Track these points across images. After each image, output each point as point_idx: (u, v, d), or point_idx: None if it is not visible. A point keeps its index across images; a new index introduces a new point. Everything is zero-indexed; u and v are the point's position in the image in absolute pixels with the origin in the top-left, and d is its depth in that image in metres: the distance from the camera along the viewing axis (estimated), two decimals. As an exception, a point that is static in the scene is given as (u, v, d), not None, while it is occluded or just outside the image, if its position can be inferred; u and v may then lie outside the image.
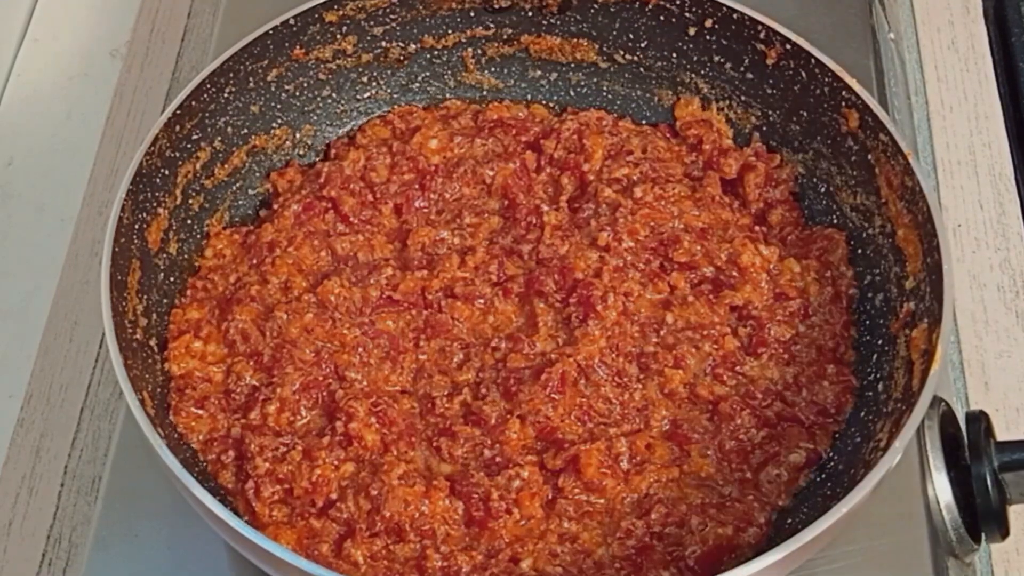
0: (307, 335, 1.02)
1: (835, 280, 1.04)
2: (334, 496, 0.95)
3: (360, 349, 1.02)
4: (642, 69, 1.16)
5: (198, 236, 1.08)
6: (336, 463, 0.96)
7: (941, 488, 0.98)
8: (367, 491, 0.94)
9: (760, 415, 0.98)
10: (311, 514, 0.94)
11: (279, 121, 1.14)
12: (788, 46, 1.06)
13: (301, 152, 1.16)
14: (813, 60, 1.04)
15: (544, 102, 1.20)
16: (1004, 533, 0.98)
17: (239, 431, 0.98)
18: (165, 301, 1.03)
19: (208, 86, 1.06)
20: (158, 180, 1.02)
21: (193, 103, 1.05)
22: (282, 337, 1.01)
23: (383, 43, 1.16)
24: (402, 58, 1.17)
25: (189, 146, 1.06)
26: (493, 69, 1.19)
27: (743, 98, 1.12)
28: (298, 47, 1.11)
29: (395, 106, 1.19)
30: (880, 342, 1.00)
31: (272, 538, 0.88)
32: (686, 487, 0.95)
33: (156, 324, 1.01)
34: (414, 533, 0.92)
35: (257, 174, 1.14)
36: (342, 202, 1.10)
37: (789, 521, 0.94)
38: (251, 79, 1.10)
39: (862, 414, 0.97)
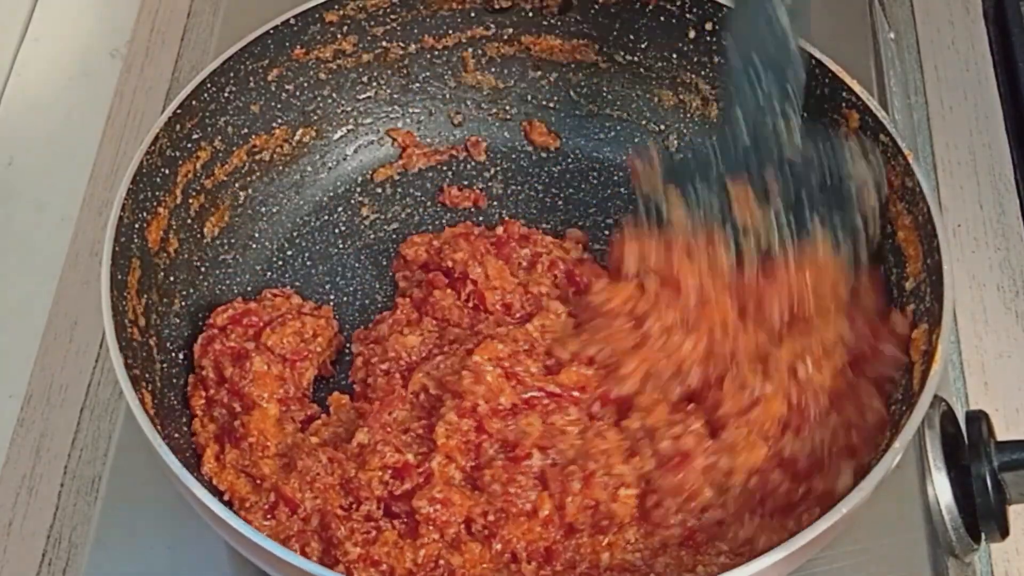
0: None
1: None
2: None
3: None
4: (642, 69, 1.16)
5: (198, 236, 1.08)
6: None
7: (941, 488, 0.98)
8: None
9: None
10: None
11: (279, 121, 1.14)
12: (788, 46, 1.06)
13: (301, 152, 1.16)
14: (813, 60, 1.04)
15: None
16: (1004, 533, 0.98)
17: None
18: (165, 301, 1.03)
19: (208, 86, 1.06)
20: (158, 180, 1.02)
21: (193, 103, 1.05)
22: None
23: (383, 43, 1.16)
24: (402, 58, 1.17)
25: (189, 145, 1.06)
26: (493, 69, 1.19)
27: (743, 98, 1.12)
28: (298, 47, 1.11)
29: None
30: (880, 342, 0.99)
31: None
32: None
33: (156, 324, 1.01)
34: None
35: (257, 174, 1.14)
36: None
37: (789, 521, 0.94)
38: (251, 79, 1.10)
39: (862, 414, 0.97)
